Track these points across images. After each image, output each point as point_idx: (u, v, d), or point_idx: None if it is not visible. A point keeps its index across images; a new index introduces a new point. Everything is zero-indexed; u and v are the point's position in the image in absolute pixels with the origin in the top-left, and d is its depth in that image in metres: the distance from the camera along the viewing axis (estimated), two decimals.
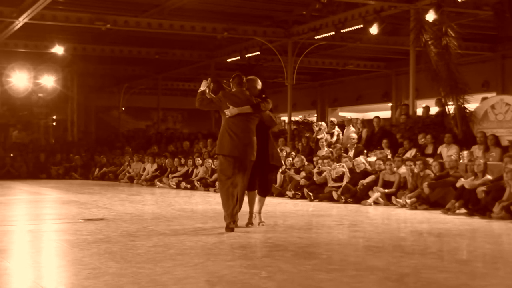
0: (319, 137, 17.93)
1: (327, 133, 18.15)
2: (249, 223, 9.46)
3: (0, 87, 31.35)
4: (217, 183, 16.97)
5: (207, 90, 9.57)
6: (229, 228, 8.75)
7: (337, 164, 15.04)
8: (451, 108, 15.60)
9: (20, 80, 27.82)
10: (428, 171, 13.00)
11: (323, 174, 15.07)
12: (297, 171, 16.17)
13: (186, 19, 21.12)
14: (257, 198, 9.54)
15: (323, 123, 18.83)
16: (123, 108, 34.63)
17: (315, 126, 18.69)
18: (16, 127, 31.72)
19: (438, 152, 14.63)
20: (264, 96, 9.49)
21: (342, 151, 16.49)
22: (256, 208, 9.58)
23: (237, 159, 8.94)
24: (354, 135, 17.25)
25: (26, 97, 30.81)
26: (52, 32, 22.90)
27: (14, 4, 18.70)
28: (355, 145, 16.75)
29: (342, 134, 18.27)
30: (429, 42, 15.46)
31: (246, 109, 9.09)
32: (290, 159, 16.88)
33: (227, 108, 9.18)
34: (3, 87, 30.49)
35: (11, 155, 27.55)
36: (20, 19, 19.01)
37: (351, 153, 16.32)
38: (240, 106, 9.12)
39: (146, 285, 5.39)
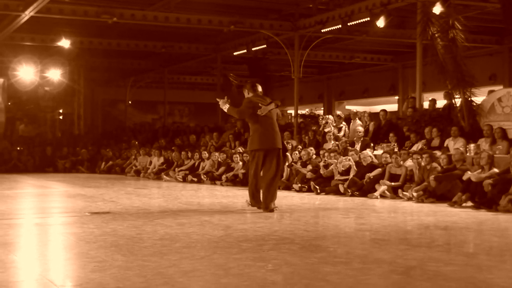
0: (326, 130, 17.92)
1: (334, 126, 18.13)
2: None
3: (7, 80, 31.43)
4: (223, 176, 17.08)
5: (228, 105, 11.02)
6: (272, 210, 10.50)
7: (344, 158, 15.02)
8: (457, 101, 15.54)
9: (26, 73, 27.86)
10: (434, 164, 12.97)
11: (330, 168, 15.06)
12: (304, 165, 16.17)
13: (192, 12, 21.11)
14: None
15: (330, 116, 18.81)
16: (130, 102, 34.67)
17: (321, 119, 18.68)
18: (23, 120, 31.80)
19: (445, 145, 14.59)
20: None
21: (348, 145, 16.47)
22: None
23: (273, 150, 10.59)
24: (361, 128, 17.21)
25: (32, 91, 30.87)
26: (59, 26, 22.92)
27: None
28: (362, 138, 16.72)
29: (349, 128, 18.24)
30: (436, 35, 15.40)
31: (271, 106, 10.70)
32: (297, 152, 16.87)
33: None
34: (9, 81, 30.56)
35: (18, 148, 27.64)
36: (27, 12, 19.02)
37: (357, 146, 16.30)
38: (266, 105, 10.69)
39: (152, 278, 5.40)
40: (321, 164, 15.41)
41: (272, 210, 10.44)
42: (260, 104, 10.67)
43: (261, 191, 10.69)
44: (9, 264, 6.08)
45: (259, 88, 10.98)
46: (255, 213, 10.73)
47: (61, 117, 35.52)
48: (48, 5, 18.66)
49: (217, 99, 11.11)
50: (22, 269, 6.00)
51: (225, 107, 11.03)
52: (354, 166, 14.62)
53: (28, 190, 17.22)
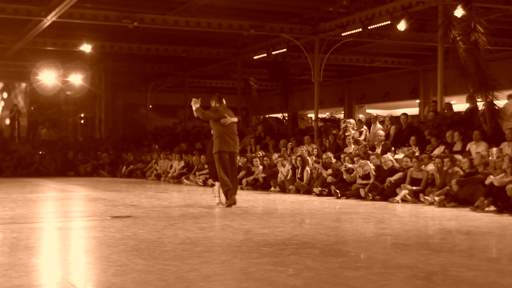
0: (346, 134, 17.86)
1: (354, 130, 18.05)
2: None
3: (29, 85, 31.73)
4: (244, 180, 17.10)
5: (199, 105, 12.56)
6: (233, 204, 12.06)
7: (363, 161, 14.98)
8: (480, 104, 15.41)
9: (48, 78, 28.11)
10: (456, 168, 12.87)
11: (354, 173, 14.99)
12: (325, 168, 16.13)
13: (213, 17, 21.14)
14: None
15: (351, 120, 18.70)
16: (150, 106, 34.80)
17: (342, 123, 18.61)
18: (45, 125, 32.04)
19: (467, 149, 14.47)
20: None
21: (368, 149, 16.40)
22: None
23: (233, 153, 12.28)
24: (381, 132, 17.13)
25: (54, 95, 31.13)
26: (80, 30, 23.07)
27: (42, 2, 18.89)
28: (383, 142, 16.65)
29: (369, 132, 18.16)
30: (458, 38, 15.28)
31: (234, 118, 12.43)
32: (313, 157, 16.81)
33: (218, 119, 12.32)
34: (31, 85, 30.84)
35: (40, 153, 27.85)
36: (49, 17, 19.18)
37: (378, 150, 16.22)
38: (231, 117, 12.35)
39: (173, 282, 5.40)
40: (343, 169, 15.35)
41: (235, 203, 12.12)
42: (225, 115, 12.26)
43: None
44: (32, 268, 6.12)
45: (224, 101, 12.67)
46: (276, 217, 10.73)
47: (82, 122, 35.76)
48: (70, 10, 18.80)
49: (192, 99, 12.75)
50: (44, 273, 6.04)
51: (195, 106, 12.50)
52: (373, 171, 14.56)
53: (50, 194, 17.34)
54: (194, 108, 12.59)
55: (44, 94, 30.18)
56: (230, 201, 12.12)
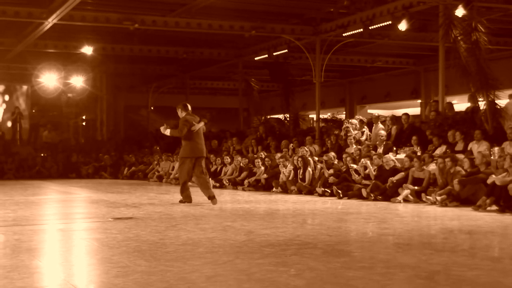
0: (348, 134, 17.84)
1: (357, 130, 18.02)
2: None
3: (30, 87, 31.76)
4: (245, 181, 17.14)
5: (168, 129, 13.54)
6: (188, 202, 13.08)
7: (363, 161, 15.01)
8: (481, 104, 15.40)
9: (50, 80, 28.13)
10: (458, 168, 12.86)
11: (367, 171, 14.95)
12: (327, 168, 16.13)
13: (213, 18, 21.16)
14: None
15: (353, 120, 18.64)
16: (152, 108, 34.82)
17: (345, 123, 18.53)
18: (46, 127, 32.06)
19: (469, 148, 14.46)
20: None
21: (371, 148, 16.40)
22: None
23: (201, 158, 13.15)
24: (383, 132, 17.13)
25: (55, 98, 31.17)
26: (81, 33, 23.11)
27: (43, 5, 18.91)
28: (384, 142, 16.64)
29: (371, 132, 18.16)
30: (459, 38, 15.27)
31: (201, 124, 13.26)
32: (310, 158, 16.80)
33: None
34: (33, 88, 30.87)
35: (42, 155, 27.89)
36: (50, 20, 19.21)
37: (380, 150, 16.22)
38: (197, 122, 13.21)
39: (175, 283, 5.40)
40: (352, 169, 15.28)
41: (214, 198, 12.92)
42: (193, 122, 13.08)
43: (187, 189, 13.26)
44: (34, 270, 6.13)
45: (189, 107, 13.38)
46: (278, 218, 10.74)
47: (84, 123, 35.80)
48: (71, 12, 18.82)
49: (160, 128, 13.76)
50: (46, 274, 6.04)
51: (167, 132, 13.48)
52: (372, 170, 14.60)
53: (51, 196, 17.36)
54: (168, 134, 13.63)
55: (45, 96, 30.23)
56: (186, 200, 13.21)
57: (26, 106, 33.35)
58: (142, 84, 34.38)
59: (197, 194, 13.52)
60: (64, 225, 10.00)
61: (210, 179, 13.84)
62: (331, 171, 15.85)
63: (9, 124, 32.26)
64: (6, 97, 33.07)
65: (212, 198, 12.90)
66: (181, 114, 13.37)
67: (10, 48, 24.64)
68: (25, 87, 33.16)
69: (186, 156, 13.14)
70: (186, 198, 13.22)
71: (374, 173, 14.64)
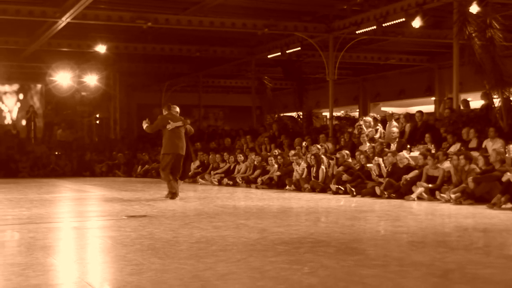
0: (362, 132, 17.78)
1: (371, 128, 17.95)
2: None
3: (44, 86, 31.91)
4: (259, 179, 17.15)
5: (147, 124, 14.31)
6: (176, 196, 13.81)
7: (376, 158, 14.99)
8: (496, 101, 15.31)
9: (63, 79, 28.25)
10: (473, 166, 12.79)
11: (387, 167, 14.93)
12: (338, 165, 16.11)
13: (226, 16, 21.17)
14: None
15: (368, 118, 18.56)
16: None
17: (357, 126, 18.46)
18: (61, 125, 32.24)
19: (483, 146, 14.38)
20: (183, 117, 14.41)
21: (384, 146, 16.35)
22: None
23: (178, 155, 13.78)
24: (395, 130, 17.08)
25: (69, 96, 31.32)
26: (95, 31, 23.19)
27: (57, 4, 19.00)
28: (397, 140, 16.59)
29: (385, 129, 18.10)
30: (473, 35, 15.20)
31: (178, 123, 13.90)
32: (323, 156, 16.77)
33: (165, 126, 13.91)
34: (47, 86, 31.01)
35: (56, 153, 28.03)
36: (63, 19, 19.29)
37: (393, 148, 16.17)
38: (175, 122, 13.87)
39: (189, 280, 5.40)
40: (372, 168, 15.24)
41: (177, 195, 13.87)
42: (169, 121, 13.81)
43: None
44: (48, 267, 6.15)
45: (176, 109, 14.23)
46: (291, 216, 10.73)
47: (97, 122, 35.93)
48: (84, 11, 18.90)
49: (143, 121, 14.48)
50: (61, 272, 6.06)
51: (144, 126, 14.34)
52: (384, 168, 14.58)
53: (66, 194, 17.43)
54: (144, 128, 14.50)
55: (59, 95, 30.38)
56: (173, 192, 13.94)
57: (40, 104, 33.53)
58: (155, 82, 34.46)
59: (210, 192, 13.51)
60: (79, 223, 10.04)
61: (178, 179, 14.22)
62: (341, 168, 15.81)
63: (23, 122, 32.47)
64: (21, 96, 33.26)
65: (171, 194, 13.91)
66: (163, 113, 14.35)
67: (24, 47, 24.78)
68: (39, 86, 33.34)
69: (163, 153, 13.98)
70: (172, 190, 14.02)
71: (385, 170, 14.60)
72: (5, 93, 33.00)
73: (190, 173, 18.88)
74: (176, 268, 5.91)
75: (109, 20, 20.23)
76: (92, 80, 29.42)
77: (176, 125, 13.92)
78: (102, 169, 26.57)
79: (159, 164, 25.27)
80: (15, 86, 33.16)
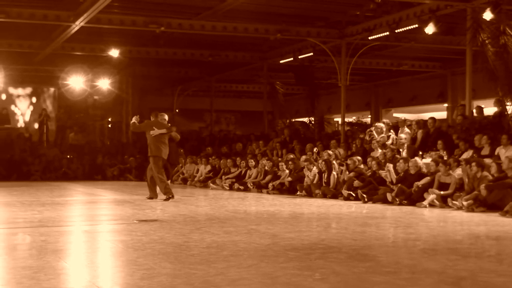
0: (373, 138, 17.72)
1: (383, 133, 17.88)
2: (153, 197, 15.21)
3: (57, 90, 32.04)
4: (270, 184, 17.14)
5: (136, 121, 15.43)
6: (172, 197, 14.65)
7: (388, 165, 14.95)
8: (509, 108, 15.23)
9: (76, 83, 28.34)
10: (485, 173, 12.72)
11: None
12: (349, 171, 16.06)
13: (239, 21, 21.19)
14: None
15: (380, 124, 18.49)
16: (177, 110, 34.95)
17: (368, 132, 18.42)
18: (73, 129, 32.34)
19: (496, 153, 14.31)
20: (170, 124, 15.65)
21: (395, 153, 16.28)
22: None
23: (163, 159, 14.90)
24: (403, 136, 17.04)
25: (82, 100, 31.42)
26: (108, 35, 23.28)
27: (71, 8, 19.09)
28: (405, 145, 16.55)
29: (397, 135, 18.03)
30: (487, 41, 15.15)
31: (162, 131, 14.88)
32: (334, 162, 16.73)
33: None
34: (60, 90, 31.13)
35: (68, 156, 28.13)
36: (77, 23, 19.39)
37: (403, 154, 16.11)
38: (160, 129, 14.85)
39: (199, 286, 5.40)
40: (383, 174, 15.19)
41: (168, 198, 14.61)
42: (154, 127, 14.83)
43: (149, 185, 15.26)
44: (60, 271, 6.17)
45: (163, 116, 15.35)
46: (302, 222, 10.72)
47: (109, 126, 36.03)
48: (98, 15, 18.98)
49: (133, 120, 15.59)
50: (72, 276, 6.08)
51: (132, 121, 15.50)
52: (393, 175, 14.53)
53: (77, 197, 17.49)
54: (131, 122, 15.73)
55: (72, 98, 30.46)
56: (152, 197, 15.10)
57: (53, 108, 33.66)
58: (168, 86, 34.53)
59: (221, 197, 13.51)
60: (90, 226, 10.07)
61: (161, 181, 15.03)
62: (353, 174, 15.77)
63: (36, 126, 32.58)
64: (34, 99, 33.40)
65: (151, 198, 15.06)
66: (152, 119, 15.53)
67: (38, 51, 24.90)
68: (52, 89, 33.48)
69: (154, 155, 14.89)
70: (154, 194, 15.16)
71: (395, 177, 14.55)
72: (18, 96, 33.14)
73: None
74: (187, 273, 5.91)
75: (122, 24, 20.31)
76: (104, 84, 29.50)
77: (160, 132, 14.87)
78: (113, 173, 26.62)
79: None
80: (28, 90, 33.30)
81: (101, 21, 19.80)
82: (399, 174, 14.66)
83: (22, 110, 33.26)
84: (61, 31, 21.40)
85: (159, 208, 12.92)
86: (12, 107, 33.02)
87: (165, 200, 14.51)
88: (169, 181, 16.18)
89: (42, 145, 30.64)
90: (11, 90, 32.72)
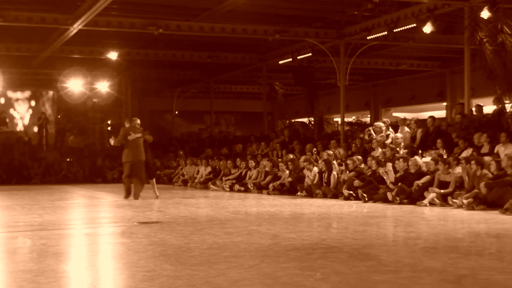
0: (373, 138, 17.72)
1: (382, 133, 17.89)
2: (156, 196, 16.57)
3: (56, 93, 32.04)
4: (270, 185, 17.12)
5: (112, 140, 16.96)
6: (129, 196, 16.08)
7: (388, 164, 14.96)
8: (508, 106, 15.24)
9: (75, 86, 28.35)
10: (485, 171, 12.73)
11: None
12: (349, 171, 16.06)
13: (237, 22, 21.19)
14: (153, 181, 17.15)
15: (379, 123, 18.48)
16: (177, 112, 34.98)
17: (366, 131, 18.42)
18: (72, 132, 32.37)
19: (495, 151, 14.32)
20: (142, 128, 16.52)
21: (394, 152, 16.27)
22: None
23: (137, 161, 15.98)
24: (399, 135, 17.06)
25: (81, 103, 31.42)
26: (106, 38, 23.28)
27: (69, 11, 19.08)
28: (401, 144, 16.56)
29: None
30: (484, 40, 15.17)
31: (138, 134, 16.04)
32: (335, 161, 16.73)
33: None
34: (59, 93, 31.13)
35: (68, 160, 28.13)
36: (75, 25, 19.37)
37: (401, 153, 16.11)
38: (136, 133, 16.01)
39: (201, 287, 5.40)
40: (381, 171, 15.18)
41: (138, 198, 15.91)
42: (130, 132, 15.92)
43: (133, 187, 16.20)
44: (61, 274, 6.17)
45: (137, 121, 16.33)
46: (303, 222, 10.72)
47: (109, 128, 36.03)
48: (96, 18, 18.97)
49: (110, 140, 17.35)
50: (73, 279, 6.08)
51: (112, 142, 16.92)
52: (392, 174, 14.53)
53: (77, 200, 17.49)
54: (112, 143, 17.03)
55: (71, 101, 30.46)
56: (127, 197, 16.10)
57: (52, 111, 33.67)
58: (167, 88, 34.54)
59: (221, 198, 13.50)
60: (90, 229, 10.06)
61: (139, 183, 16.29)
62: (353, 173, 15.77)
63: (35, 129, 32.60)
64: (33, 103, 33.42)
65: (138, 197, 16.03)
66: (125, 125, 16.66)
67: (36, 54, 24.89)
68: (51, 93, 33.49)
69: (124, 161, 16.23)
70: (128, 195, 16.13)
71: (393, 176, 14.55)
72: (17, 100, 33.16)
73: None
74: (188, 274, 5.91)
75: (121, 26, 20.30)
76: (103, 86, 29.50)
77: (136, 136, 16.05)
78: (114, 176, 26.61)
79: (171, 170, 25.68)
80: (27, 93, 33.32)
81: (99, 23, 19.79)
82: (398, 173, 14.66)
83: (21, 114, 33.29)
84: (59, 34, 21.39)
85: (159, 210, 12.92)
86: (11, 111, 33.03)
87: (125, 198, 16.04)
88: (153, 180, 17.31)
89: (41, 149, 30.67)
90: (10, 93, 32.74)
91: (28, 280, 5.71)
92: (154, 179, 17.38)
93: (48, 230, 9.63)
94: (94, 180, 26.42)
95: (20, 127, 32.98)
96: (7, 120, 32.80)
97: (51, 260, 6.81)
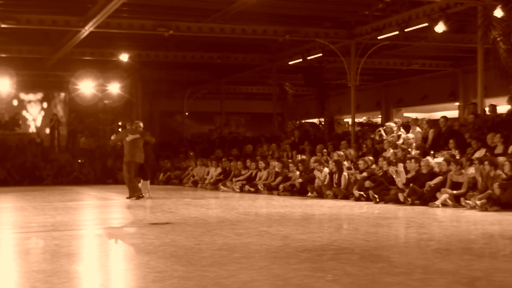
0: (384, 138, 17.66)
1: (393, 133, 17.80)
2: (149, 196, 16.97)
3: (68, 95, 32.14)
4: (280, 186, 17.11)
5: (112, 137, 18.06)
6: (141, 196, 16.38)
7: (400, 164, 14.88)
8: None
9: (87, 87, 28.42)
10: (499, 172, 12.63)
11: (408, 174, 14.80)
12: (361, 172, 16.00)
13: (247, 23, 21.17)
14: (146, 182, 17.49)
15: (391, 124, 18.39)
16: (187, 113, 35.00)
17: (377, 132, 18.35)
18: (84, 133, 32.45)
19: (509, 151, 14.20)
20: (144, 129, 16.93)
21: (406, 152, 16.20)
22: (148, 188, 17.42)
23: (135, 163, 16.32)
24: (410, 135, 16.95)
25: (92, 104, 31.49)
26: (117, 40, 23.33)
27: (80, 13, 19.14)
28: (413, 145, 16.47)
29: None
30: (498, 39, 15.07)
31: (136, 136, 16.31)
32: (346, 162, 16.67)
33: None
34: (70, 95, 31.22)
35: (79, 161, 28.22)
36: (86, 27, 19.43)
37: (413, 153, 16.03)
38: (133, 135, 16.30)
39: None
40: (391, 171, 15.11)
41: (139, 197, 16.22)
42: (128, 134, 16.37)
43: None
44: (73, 274, 6.18)
45: (138, 124, 16.87)
46: (314, 223, 10.69)
47: (120, 130, 36.07)
48: (107, 20, 19.01)
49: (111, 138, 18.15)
50: (84, 279, 6.09)
51: (112, 138, 18.00)
52: (403, 175, 14.46)
53: (89, 201, 17.54)
54: (110, 142, 18.30)
55: (82, 103, 30.53)
56: (138, 194, 16.36)
57: (63, 113, 33.77)
58: (177, 90, 34.57)
59: (232, 199, 13.49)
60: (102, 230, 10.08)
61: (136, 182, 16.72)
62: (364, 174, 15.70)
63: (47, 131, 32.71)
64: (45, 105, 33.53)
65: (130, 197, 16.24)
66: (127, 127, 17.39)
67: (48, 57, 25.00)
68: (62, 95, 33.58)
69: (128, 161, 16.38)
70: (135, 192, 16.34)
71: (405, 177, 14.47)
72: (29, 101, 33.29)
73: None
74: (198, 275, 5.90)
75: (131, 28, 20.36)
76: (114, 88, 29.55)
77: (134, 137, 16.28)
78: None
79: (181, 171, 25.67)
80: (39, 95, 33.42)
81: (110, 25, 19.83)
82: (409, 174, 14.57)
83: (34, 116, 33.40)
84: (70, 37, 21.46)
85: (170, 211, 12.92)
86: (24, 113, 33.16)
87: (136, 199, 16.08)
88: (148, 182, 17.63)
89: (53, 150, 30.78)
90: (22, 95, 32.87)
91: (42, 281, 5.73)
92: (148, 181, 17.67)
93: (60, 231, 9.65)
94: (105, 181, 26.48)
95: (32, 129, 33.10)
96: (20, 122, 32.93)
97: (64, 260, 6.83)
